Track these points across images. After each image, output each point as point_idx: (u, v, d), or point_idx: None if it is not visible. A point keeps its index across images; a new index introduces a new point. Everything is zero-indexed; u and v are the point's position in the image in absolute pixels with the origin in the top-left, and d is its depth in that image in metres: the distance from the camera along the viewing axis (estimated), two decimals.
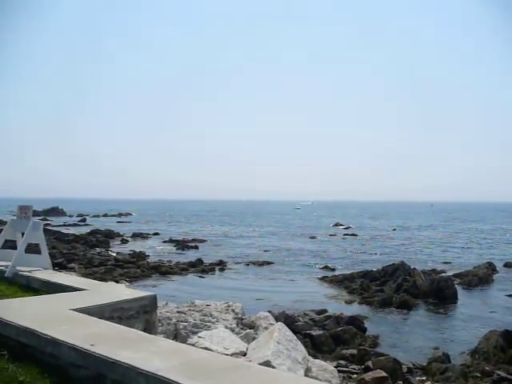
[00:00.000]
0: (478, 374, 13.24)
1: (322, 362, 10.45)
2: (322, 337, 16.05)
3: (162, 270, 33.36)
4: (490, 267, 35.07)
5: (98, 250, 45.08)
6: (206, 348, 8.67)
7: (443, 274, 31.70)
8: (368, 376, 11.70)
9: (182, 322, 10.11)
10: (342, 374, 12.65)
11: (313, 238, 64.40)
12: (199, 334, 9.47)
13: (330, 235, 67.12)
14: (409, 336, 18.75)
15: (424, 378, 12.91)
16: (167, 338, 9.22)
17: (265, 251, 48.46)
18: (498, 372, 13.19)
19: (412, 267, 29.47)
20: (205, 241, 58.20)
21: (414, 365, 14.45)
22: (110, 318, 8.43)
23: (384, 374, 11.69)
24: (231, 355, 8.69)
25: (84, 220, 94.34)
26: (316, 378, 9.13)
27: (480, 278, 31.45)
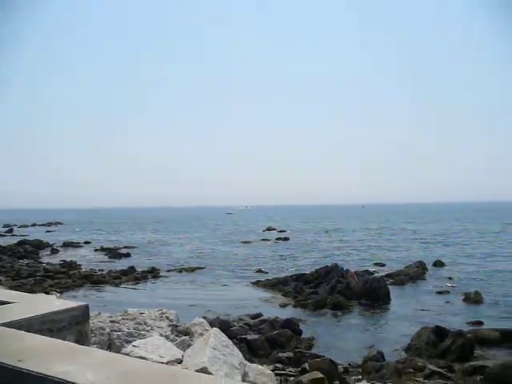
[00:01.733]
0: (412, 370, 13.96)
1: (259, 366, 10.70)
2: (257, 341, 16.38)
3: (94, 279, 32.96)
4: (421, 266, 36.55)
5: (26, 261, 44.09)
6: (141, 357, 8.74)
7: (376, 275, 32.79)
8: (305, 378, 12.09)
9: (115, 331, 10.13)
10: (279, 377, 13.00)
11: (245, 242, 64.95)
12: (133, 343, 9.52)
13: (263, 240, 67.85)
14: (344, 336, 19.41)
15: (360, 377, 13.46)
16: (101, 348, 9.23)
17: (197, 257, 48.58)
18: (430, 366, 13.96)
19: (345, 268, 30.39)
20: (135, 247, 58.12)
21: (349, 364, 15.03)
22: (40, 331, 8.36)
23: (321, 375, 12.12)
24: (167, 363, 8.80)
25: (11, 230, 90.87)
26: (253, 383, 9.38)
27: (411, 277, 32.81)
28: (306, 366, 13.16)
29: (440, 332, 17.02)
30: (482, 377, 13.32)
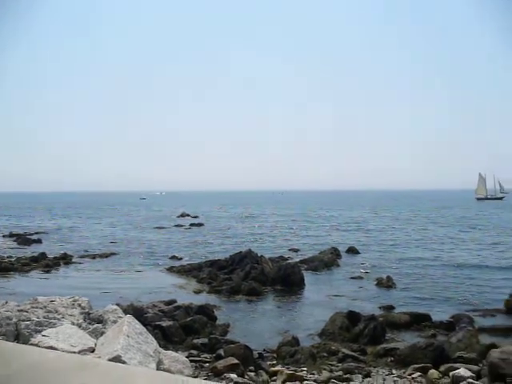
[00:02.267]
0: (326, 354, 14.26)
1: (174, 353, 10.58)
2: (172, 327, 16.20)
3: (2, 267, 31.49)
4: (335, 252, 37.45)
5: None
6: (52, 347, 8.42)
7: (290, 261, 33.27)
8: (220, 364, 12.10)
9: (23, 320, 9.68)
10: (194, 364, 12.94)
11: (158, 228, 64.24)
12: (43, 333, 9.15)
13: (176, 225, 67.32)
14: (259, 322, 19.56)
15: (275, 362, 13.60)
16: (7, 340, 8.81)
17: (110, 243, 47.57)
18: (343, 350, 14.32)
19: (259, 255, 30.64)
20: (47, 233, 56.42)
21: (264, 350, 15.15)
22: None
23: (235, 360, 12.16)
24: (79, 352, 8.52)
25: None
26: (168, 370, 9.24)
27: (325, 263, 33.52)
28: (221, 352, 13.15)
29: (353, 317, 17.52)
30: (392, 358, 13.83)
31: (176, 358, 10.34)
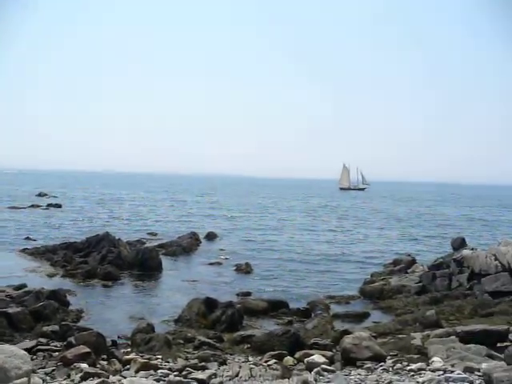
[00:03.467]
0: (181, 341, 14.07)
1: (12, 347, 9.65)
2: (20, 314, 15.22)
3: None
4: (194, 237, 37.34)
5: None
6: None
7: (148, 245, 32.74)
8: (70, 353, 11.45)
9: None
10: (42, 353, 12.22)
11: (12, 208, 60.28)
12: None
13: (32, 206, 63.59)
14: (114, 308, 19.01)
15: (129, 350, 13.18)
16: None
17: None
18: (199, 337, 14.20)
19: (117, 238, 29.80)
20: None
21: (119, 337, 14.71)
22: None
23: (87, 349, 11.58)
24: None
25: None
26: (1, 368, 8.36)
27: (184, 248, 33.35)
28: (72, 339, 12.46)
29: (210, 303, 17.50)
30: (249, 345, 13.94)
31: (13, 352, 9.43)
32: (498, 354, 11.30)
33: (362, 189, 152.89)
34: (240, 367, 11.52)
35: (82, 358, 11.25)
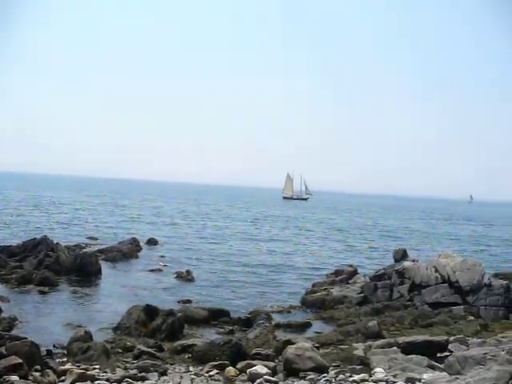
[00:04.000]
0: (120, 350, 13.68)
1: None
2: None
3: None
4: (135, 243, 36.62)
5: None
6: None
7: (87, 250, 31.93)
8: (0, 364, 10.88)
9: None
10: None
11: None
12: None
13: None
14: (50, 316, 18.37)
15: (65, 360, 12.69)
16: None
17: None
18: (139, 346, 13.82)
19: (55, 242, 28.91)
20: None
21: (54, 346, 14.15)
22: None
23: (18, 359, 11.00)
24: None
25: None
26: None
27: (124, 253, 32.68)
28: (3, 350, 11.85)
29: (150, 311, 17.09)
30: (190, 355, 13.65)
31: None
32: (439, 365, 11.45)
33: (305, 199, 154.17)
34: (181, 378, 11.26)
35: (13, 369, 10.66)
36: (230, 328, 17.86)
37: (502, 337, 13.56)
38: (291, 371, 11.89)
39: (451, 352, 12.10)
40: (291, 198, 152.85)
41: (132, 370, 11.61)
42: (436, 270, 20.30)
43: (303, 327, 18.81)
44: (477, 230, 77.95)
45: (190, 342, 14.74)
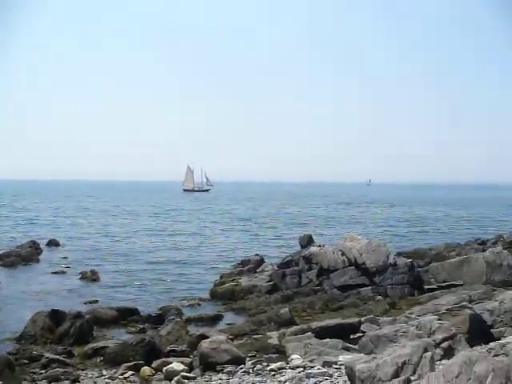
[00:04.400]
0: (26, 361, 12.92)
1: None
2: None
3: None
4: (34, 246, 35.02)
5: None
6: None
7: None
8: None
9: None
10: None
11: None
12: None
13: None
14: None
15: None
16: None
17: None
18: (47, 354, 13.15)
19: None
20: None
21: None
22: None
23: None
24: None
25: None
26: None
27: (24, 257, 31.18)
28: None
29: (56, 315, 16.34)
30: (102, 358, 13.18)
31: None
32: (353, 346, 11.70)
33: (207, 190, 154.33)
34: (95, 383, 10.80)
35: None
36: (141, 326, 17.40)
37: (410, 313, 14.10)
38: (208, 365, 11.72)
39: (364, 332, 12.40)
40: (192, 190, 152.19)
41: (41, 381, 11.01)
42: (343, 254, 20.81)
43: (215, 320, 18.70)
44: (378, 212, 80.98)
45: (101, 344, 14.21)
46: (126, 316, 18.43)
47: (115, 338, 15.84)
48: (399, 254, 25.47)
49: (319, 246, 24.03)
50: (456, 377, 6.14)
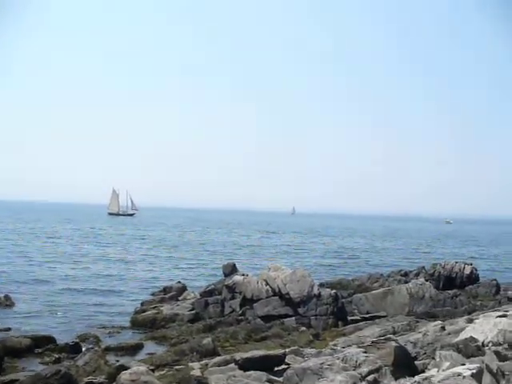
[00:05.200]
0: None
1: None
2: None
3: None
4: None
5: None
6: None
7: None
8: None
9: None
10: None
11: None
12: None
13: None
14: None
15: None
16: None
17: None
18: None
19: None
20: None
21: None
22: None
23: None
24: None
25: None
26: None
27: None
28: None
29: None
30: None
31: None
32: (277, 378, 11.37)
33: (131, 214, 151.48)
34: None
35: None
36: (57, 356, 16.47)
37: (334, 345, 13.99)
38: None
39: (288, 365, 12.13)
40: (117, 214, 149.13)
41: None
42: (267, 283, 20.60)
43: (135, 349, 17.96)
44: (302, 242, 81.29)
45: (11, 376, 13.28)
46: (40, 345, 17.45)
47: (27, 369, 14.89)
48: (322, 285, 25.59)
49: (243, 275, 23.74)
50: None
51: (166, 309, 23.18)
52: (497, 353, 8.67)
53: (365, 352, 10.99)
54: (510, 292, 26.68)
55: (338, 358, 10.33)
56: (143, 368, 12.54)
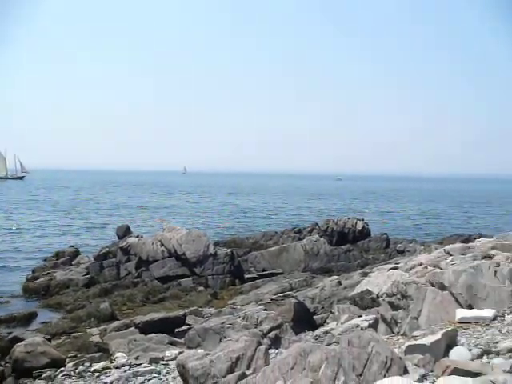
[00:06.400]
0: None
1: None
2: None
3: None
4: None
5: None
6: None
7: None
8: None
9: None
10: None
11: None
12: None
13: None
14: None
15: None
16: None
17: None
18: None
19: None
20: None
21: None
22: None
23: None
24: None
25: None
26: None
27: None
28: None
29: None
30: None
31: None
32: (179, 340, 11.28)
33: (21, 177, 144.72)
34: None
35: None
36: None
37: (233, 303, 14.05)
38: (23, 372, 10.59)
39: (189, 325, 12.05)
40: (5, 178, 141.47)
41: None
42: (162, 244, 20.30)
43: (29, 318, 17.06)
44: (196, 201, 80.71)
45: None
46: None
47: None
48: (217, 244, 25.58)
49: (137, 236, 23.24)
50: (291, 368, 6.06)
51: (60, 274, 22.26)
52: (390, 303, 9.05)
53: (265, 309, 11.11)
54: (399, 245, 28.14)
55: (239, 317, 10.37)
56: (39, 338, 12.01)
